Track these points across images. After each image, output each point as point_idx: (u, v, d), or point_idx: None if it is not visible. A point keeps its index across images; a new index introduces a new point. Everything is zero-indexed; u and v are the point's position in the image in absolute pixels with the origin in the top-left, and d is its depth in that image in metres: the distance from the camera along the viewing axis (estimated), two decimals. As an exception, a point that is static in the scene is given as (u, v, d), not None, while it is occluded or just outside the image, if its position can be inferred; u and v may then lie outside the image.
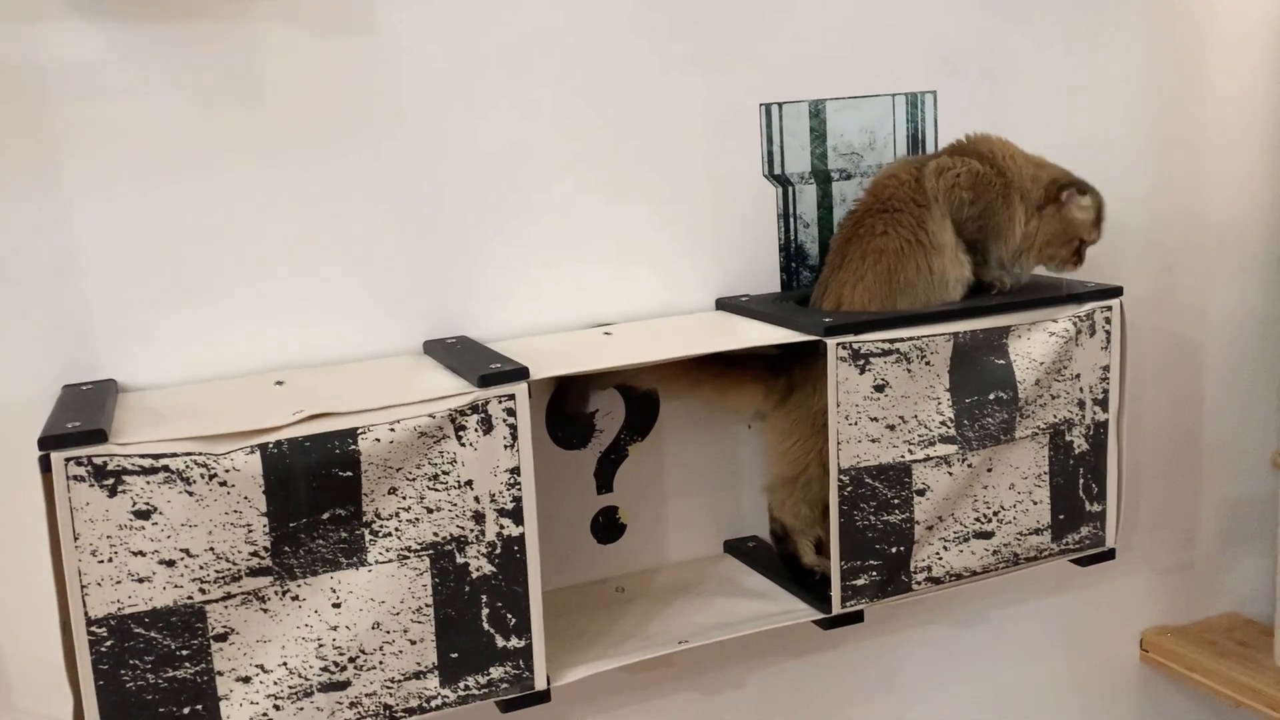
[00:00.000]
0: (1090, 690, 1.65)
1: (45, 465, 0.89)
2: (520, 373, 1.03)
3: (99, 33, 1.05)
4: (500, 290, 1.22)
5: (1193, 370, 1.62)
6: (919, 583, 1.22)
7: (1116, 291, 1.28)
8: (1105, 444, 1.29)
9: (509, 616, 1.04)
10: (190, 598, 0.94)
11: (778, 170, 1.32)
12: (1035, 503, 1.26)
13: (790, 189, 1.33)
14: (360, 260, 1.16)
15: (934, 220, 1.23)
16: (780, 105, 1.31)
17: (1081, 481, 1.29)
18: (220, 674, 0.96)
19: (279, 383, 1.09)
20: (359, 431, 0.96)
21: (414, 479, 0.99)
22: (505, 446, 1.02)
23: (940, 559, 1.22)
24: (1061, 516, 1.28)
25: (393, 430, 0.97)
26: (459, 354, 1.13)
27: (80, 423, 0.92)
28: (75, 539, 0.90)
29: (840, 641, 1.45)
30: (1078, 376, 1.26)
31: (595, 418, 1.29)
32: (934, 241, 1.22)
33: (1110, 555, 1.33)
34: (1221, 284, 1.61)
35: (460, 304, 1.21)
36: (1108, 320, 1.27)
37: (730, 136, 1.29)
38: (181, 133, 1.08)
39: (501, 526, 1.03)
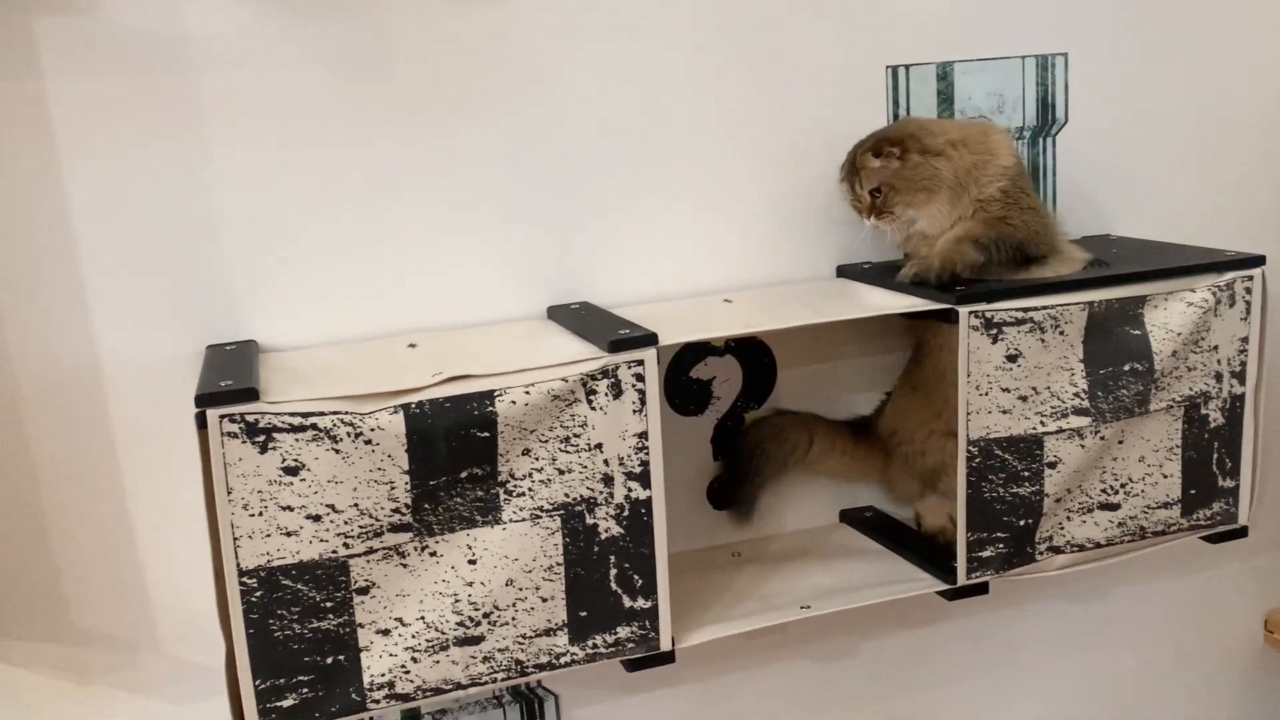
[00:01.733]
0: (1211, 670, 1.60)
1: (201, 422, 0.93)
2: (649, 339, 1.03)
3: (240, 6, 1.07)
4: (622, 257, 1.23)
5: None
6: (1042, 553, 1.20)
7: (1259, 260, 1.23)
8: (1241, 418, 1.25)
9: (636, 578, 1.05)
10: (335, 552, 0.97)
11: (902, 135, 1.30)
12: (1165, 476, 1.23)
13: (915, 154, 1.30)
14: (488, 227, 1.18)
15: None
16: (907, 67, 1.28)
17: (1215, 456, 1.25)
18: (361, 626, 0.99)
19: (412, 345, 1.12)
20: (496, 394, 0.98)
21: (546, 441, 1.01)
22: (634, 411, 1.03)
23: (1063, 530, 1.20)
24: (1193, 491, 1.24)
25: (527, 393, 0.99)
26: (584, 319, 1.14)
27: (232, 382, 0.95)
28: (229, 493, 0.94)
29: (956, 613, 1.43)
30: (1215, 348, 1.22)
31: (713, 385, 1.29)
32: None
33: (1242, 533, 1.29)
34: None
35: (582, 270, 1.22)
36: (1248, 290, 1.22)
37: (856, 100, 1.27)
38: (318, 103, 1.10)
39: (629, 490, 1.04)
